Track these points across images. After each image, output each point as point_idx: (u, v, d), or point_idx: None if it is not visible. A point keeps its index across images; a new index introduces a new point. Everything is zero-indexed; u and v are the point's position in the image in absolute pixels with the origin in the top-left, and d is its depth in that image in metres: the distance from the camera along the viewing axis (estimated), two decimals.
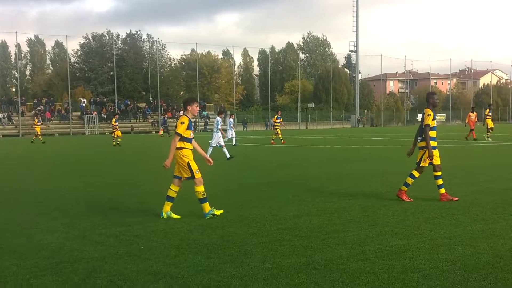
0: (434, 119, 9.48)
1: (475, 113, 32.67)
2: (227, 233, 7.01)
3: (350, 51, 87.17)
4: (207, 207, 8.07)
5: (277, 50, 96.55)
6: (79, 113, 63.54)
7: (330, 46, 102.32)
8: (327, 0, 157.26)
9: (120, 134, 33.04)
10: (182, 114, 8.48)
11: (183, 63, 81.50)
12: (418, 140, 9.62)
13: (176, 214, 8.13)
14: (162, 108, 67.69)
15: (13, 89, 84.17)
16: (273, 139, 30.85)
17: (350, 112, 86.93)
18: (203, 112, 70.29)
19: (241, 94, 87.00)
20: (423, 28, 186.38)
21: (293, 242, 6.42)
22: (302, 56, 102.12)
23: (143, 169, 17.57)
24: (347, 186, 11.64)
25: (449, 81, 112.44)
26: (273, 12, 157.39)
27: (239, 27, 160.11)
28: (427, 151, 9.41)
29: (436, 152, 9.47)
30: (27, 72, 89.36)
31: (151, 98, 70.08)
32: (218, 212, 8.13)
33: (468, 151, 23.50)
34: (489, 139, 30.16)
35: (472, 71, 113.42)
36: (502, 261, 5.50)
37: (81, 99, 65.02)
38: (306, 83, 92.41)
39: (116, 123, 34.05)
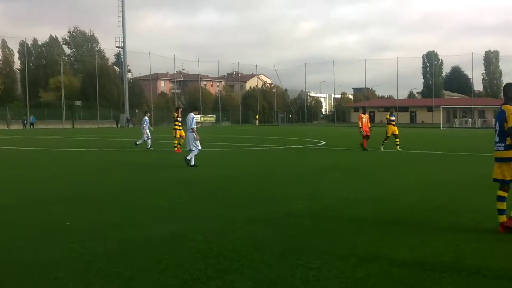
0: None
1: (366, 114, 25.97)
2: None
3: (117, 47, 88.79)
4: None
5: (40, 43, 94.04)
6: None
7: (98, 42, 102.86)
8: None
9: None
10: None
11: None
12: (500, 149, 7.52)
13: None
14: None
15: None
16: (176, 146, 23.91)
17: (120, 111, 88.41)
18: None
19: None
20: (192, 32, 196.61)
21: None
22: (68, 51, 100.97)
23: None
24: None
25: (218, 83, 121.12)
26: (35, 4, 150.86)
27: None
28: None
29: None
30: None
31: None
32: None
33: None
34: (399, 148, 24.63)
35: (239, 75, 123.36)
36: None
37: None
38: (73, 79, 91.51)
39: None
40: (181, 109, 25.25)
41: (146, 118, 26.70)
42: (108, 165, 18.54)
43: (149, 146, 25.61)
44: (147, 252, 6.42)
